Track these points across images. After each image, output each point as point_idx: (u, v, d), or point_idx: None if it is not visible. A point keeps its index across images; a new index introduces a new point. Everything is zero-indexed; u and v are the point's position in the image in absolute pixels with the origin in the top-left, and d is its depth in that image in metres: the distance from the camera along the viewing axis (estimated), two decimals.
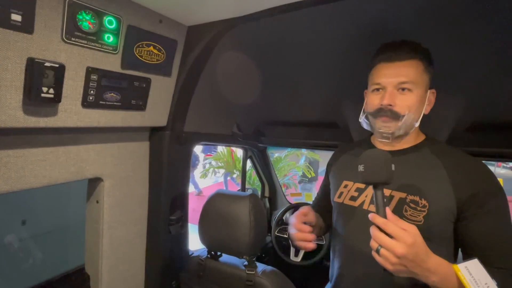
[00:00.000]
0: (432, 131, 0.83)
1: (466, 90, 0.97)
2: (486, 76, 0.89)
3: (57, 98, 0.67)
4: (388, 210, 0.60)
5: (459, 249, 0.75)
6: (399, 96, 0.72)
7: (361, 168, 0.64)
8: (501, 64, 0.84)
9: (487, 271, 0.58)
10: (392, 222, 0.57)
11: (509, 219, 0.67)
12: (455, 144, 0.80)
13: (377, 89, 0.75)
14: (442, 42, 0.82)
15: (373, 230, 0.59)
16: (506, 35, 0.74)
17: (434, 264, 0.58)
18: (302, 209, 0.84)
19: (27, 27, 0.60)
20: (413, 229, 0.57)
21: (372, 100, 0.76)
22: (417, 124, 0.74)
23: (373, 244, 0.59)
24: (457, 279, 0.58)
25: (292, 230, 0.80)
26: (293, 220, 0.81)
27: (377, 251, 0.58)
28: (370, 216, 0.60)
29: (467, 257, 0.71)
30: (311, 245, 0.77)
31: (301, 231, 0.78)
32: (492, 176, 0.69)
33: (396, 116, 0.71)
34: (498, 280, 0.58)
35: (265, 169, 2.06)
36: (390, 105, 0.71)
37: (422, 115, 0.74)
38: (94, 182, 0.94)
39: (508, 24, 0.72)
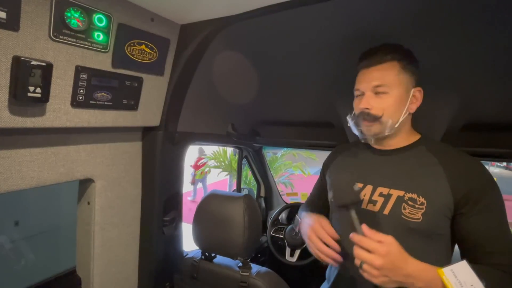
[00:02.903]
0: (426, 130, 0.84)
1: (460, 90, 0.97)
2: (480, 76, 0.89)
3: (45, 97, 0.66)
4: (364, 226, 0.64)
5: (456, 245, 0.76)
6: (375, 99, 0.75)
7: (330, 196, 0.71)
8: (495, 65, 0.84)
9: (475, 272, 0.58)
10: (368, 238, 0.62)
11: (505, 215, 0.68)
12: (449, 143, 0.80)
13: (358, 95, 0.80)
14: (437, 42, 0.82)
15: (355, 248, 0.64)
16: (500, 35, 0.74)
17: (416, 270, 0.61)
18: (321, 222, 0.79)
19: (12, 24, 0.58)
20: (388, 239, 0.62)
21: (355, 105, 0.81)
22: (397, 125, 0.75)
23: (357, 261, 0.64)
24: (442, 282, 0.59)
25: (314, 239, 0.76)
26: (315, 225, 0.77)
27: (361, 267, 0.63)
28: (350, 236, 0.65)
29: (463, 252, 0.72)
30: (331, 261, 0.75)
31: (320, 244, 0.75)
32: (487, 173, 0.70)
33: (374, 119, 0.75)
34: (489, 279, 0.59)
35: (260, 169, 2.05)
36: (367, 108, 0.75)
37: (405, 114, 0.75)
38: (85, 183, 0.92)
39: (502, 24, 0.72)
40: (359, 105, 0.77)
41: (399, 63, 0.74)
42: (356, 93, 0.81)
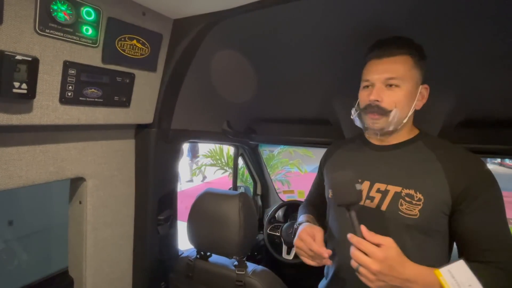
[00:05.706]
0: (423, 126, 0.83)
1: (458, 87, 0.96)
2: (478, 73, 0.89)
3: (31, 94, 0.63)
4: (363, 228, 0.62)
5: (454, 243, 0.75)
6: (386, 92, 0.72)
7: (330, 193, 0.68)
8: (493, 61, 0.83)
9: (473, 271, 0.57)
10: (365, 240, 0.60)
11: (503, 212, 0.67)
12: (446, 140, 0.79)
13: (367, 86, 0.76)
14: (435, 39, 0.81)
15: (352, 250, 0.62)
16: (498, 32, 0.74)
17: (413, 274, 0.59)
18: (307, 229, 0.79)
19: None
20: (387, 242, 0.59)
21: (362, 97, 0.77)
22: (405, 120, 0.74)
23: (353, 263, 0.62)
24: (439, 284, 0.58)
25: (301, 243, 0.76)
26: (302, 234, 0.77)
27: (357, 270, 0.61)
28: (348, 236, 0.63)
29: (460, 249, 0.71)
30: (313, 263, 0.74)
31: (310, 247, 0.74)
32: (486, 169, 0.69)
33: (383, 112, 0.72)
34: (486, 277, 0.58)
35: (257, 166, 2.04)
36: (377, 100, 0.72)
37: (412, 110, 0.74)
38: (76, 182, 0.90)
39: (500, 22, 0.71)
40: (368, 97, 0.74)
41: (412, 57, 0.72)
42: (363, 84, 0.77)
